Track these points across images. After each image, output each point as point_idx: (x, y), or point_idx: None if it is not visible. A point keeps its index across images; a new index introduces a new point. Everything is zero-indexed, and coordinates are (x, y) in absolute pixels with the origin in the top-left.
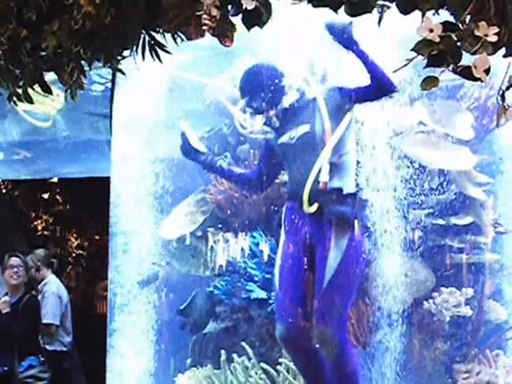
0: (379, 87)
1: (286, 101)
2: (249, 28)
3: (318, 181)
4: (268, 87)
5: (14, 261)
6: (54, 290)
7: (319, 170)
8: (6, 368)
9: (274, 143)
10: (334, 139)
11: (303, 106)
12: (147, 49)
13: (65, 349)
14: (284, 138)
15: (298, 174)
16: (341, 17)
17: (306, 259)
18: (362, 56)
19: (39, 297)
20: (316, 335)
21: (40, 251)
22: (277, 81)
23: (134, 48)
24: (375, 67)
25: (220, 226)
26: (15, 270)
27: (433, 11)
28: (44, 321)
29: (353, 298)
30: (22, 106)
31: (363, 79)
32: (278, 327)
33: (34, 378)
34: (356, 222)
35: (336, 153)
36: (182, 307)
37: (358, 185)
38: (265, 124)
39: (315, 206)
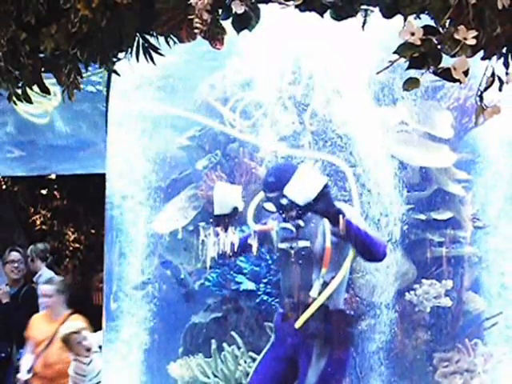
0: (370, 253)
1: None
2: (238, 31)
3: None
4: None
5: (15, 256)
6: None
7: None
8: (3, 354)
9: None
10: (335, 283)
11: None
12: (141, 51)
13: None
14: (284, 245)
15: (290, 284)
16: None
17: (285, 367)
18: (351, 226)
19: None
20: None
21: (40, 245)
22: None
23: (129, 50)
24: (364, 235)
25: (211, 220)
26: (15, 264)
27: (414, 15)
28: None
29: None
30: (19, 104)
31: None
32: None
33: None
34: (340, 340)
35: (330, 272)
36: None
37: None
38: (284, 221)
39: (302, 322)
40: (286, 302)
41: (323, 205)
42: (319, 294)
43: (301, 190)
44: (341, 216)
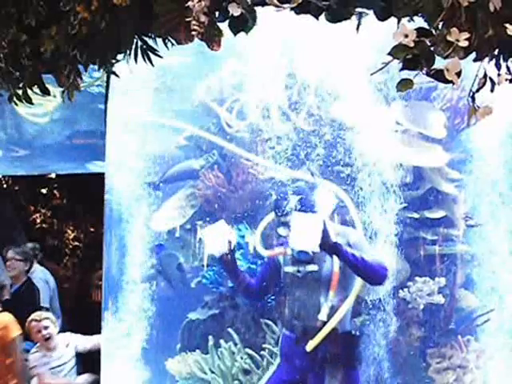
0: (370, 279)
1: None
2: (235, 33)
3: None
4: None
5: (9, 253)
6: (41, 276)
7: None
8: None
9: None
10: (345, 306)
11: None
12: (140, 53)
13: None
14: (291, 269)
15: (297, 307)
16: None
17: None
18: (348, 256)
19: None
20: None
21: (30, 244)
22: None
23: (128, 52)
24: (361, 262)
25: (208, 219)
26: (9, 262)
27: (407, 18)
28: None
29: None
30: (20, 104)
31: None
32: None
33: None
34: (350, 360)
35: (337, 295)
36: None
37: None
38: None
39: (313, 345)
40: (294, 325)
41: (329, 244)
42: (328, 317)
43: (306, 238)
44: (337, 247)
